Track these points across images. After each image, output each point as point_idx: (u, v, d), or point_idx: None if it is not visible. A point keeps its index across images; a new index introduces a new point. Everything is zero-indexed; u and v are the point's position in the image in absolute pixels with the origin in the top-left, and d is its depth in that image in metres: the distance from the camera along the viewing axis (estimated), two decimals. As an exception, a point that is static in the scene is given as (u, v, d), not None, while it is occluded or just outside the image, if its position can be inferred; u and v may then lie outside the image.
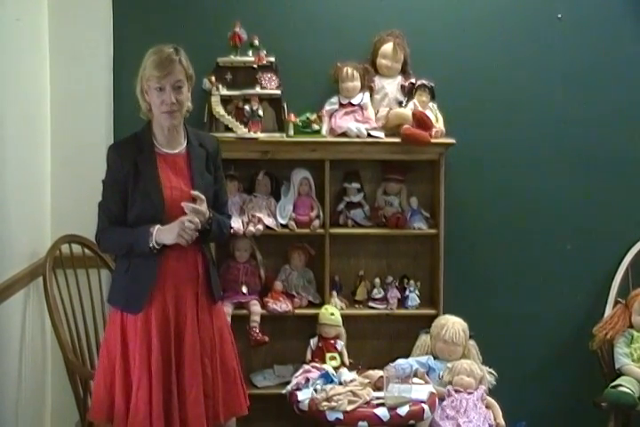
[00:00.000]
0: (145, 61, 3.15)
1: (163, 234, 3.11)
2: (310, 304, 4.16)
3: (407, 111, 4.07)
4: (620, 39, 4.30)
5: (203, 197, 3.15)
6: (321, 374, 3.77)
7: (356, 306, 4.20)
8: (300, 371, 3.88)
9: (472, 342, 4.04)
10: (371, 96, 4.16)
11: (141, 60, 3.17)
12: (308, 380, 3.77)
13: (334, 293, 4.14)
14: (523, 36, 4.26)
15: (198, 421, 3.15)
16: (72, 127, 3.95)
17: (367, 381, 3.75)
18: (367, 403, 3.61)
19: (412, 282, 4.18)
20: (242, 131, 4.00)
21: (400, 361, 3.84)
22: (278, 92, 4.05)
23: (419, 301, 4.16)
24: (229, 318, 3.84)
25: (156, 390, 3.11)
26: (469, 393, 3.82)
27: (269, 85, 4.04)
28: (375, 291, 4.18)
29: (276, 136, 4.03)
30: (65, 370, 3.63)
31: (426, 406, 3.61)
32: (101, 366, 3.23)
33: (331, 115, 4.12)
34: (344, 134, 4.08)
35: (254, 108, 4.01)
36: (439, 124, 4.11)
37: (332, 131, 4.10)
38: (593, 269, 4.33)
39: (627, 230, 4.31)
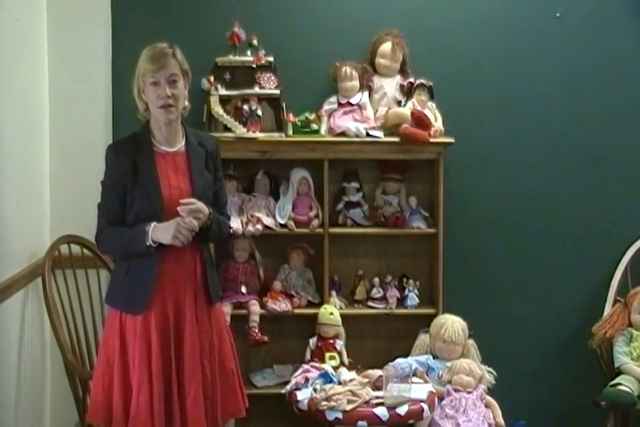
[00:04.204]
0: (140, 59, 3.16)
1: (159, 232, 3.10)
2: (309, 304, 4.17)
3: (406, 111, 4.07)
4: (619, 38, 4.30)
5: (193, 200, 3.13)
6: (320, 374, 3.77)
7: (356, 306, 4.20)
8: (300, 371, 3.88)
9: (471, 342, 4.04)
10: (369, 95, 4.16)
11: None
12: (307, 379, 3.77)
13: (333, 292, 4.14)
14: (522, 35, 4.26)
15: (198, 421, 3.15)
16: (71, 128, 3.94)
17: (366, 380, 3.75)
18: (366, 402, 3.61)
19: (411, 281, 4.18)
20: (241, 131, 4.00)
21: (399, 360, 3.84)
22: (277, 91, 4.05)
23: (418, 300, 4.16)
24: (229, 318, 3.84)
25: (156, 391, 3.11)
26: (469, 392, 3.82)
27: (268, 85, 4.04)
28: (374, 290, 4.18)
29: (275, 136, 4.03)
30: (64, 371, 3.62)
31: (425, 406, 3.61)
32: (99, 367, 3.23)
33: (329, 114, 4.12)
34: (343, 134, 4.08)
35: (253, 107, 4.01)
36: (438, 123, 4.11)
37: (330, 130, 4.10)
38: (592, 268, 4.33)
39: (626, 229, 4.31)
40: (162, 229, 3.11)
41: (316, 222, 4.10)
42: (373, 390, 3.69)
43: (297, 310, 4.10)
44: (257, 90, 4.04)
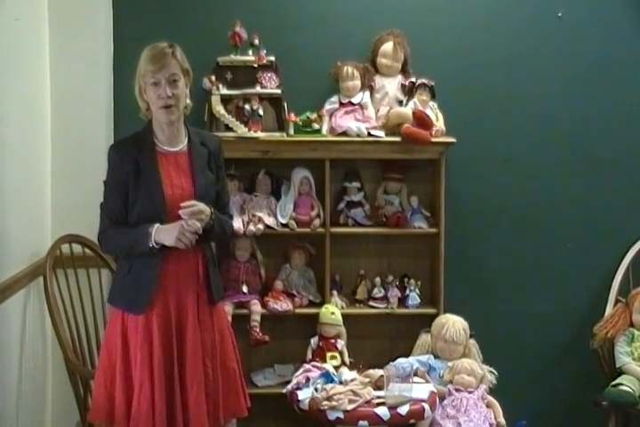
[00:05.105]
0: (141, 59, 3.16)
1: (162, 234, 3.11)
2: (311, 303, 4.17)
3: (407, 110, 4.07)
4: (620, 38, 4.30)
5: (194, 202, 3.14)
6: (321, 374, 3.77)
7: (357, 305, 4.20)
8: (301, 370, 3.87)
9: (472, 341, 4.04)
10: (371, 95, 4.16)
11: (141, 60, 3.18)
12: (308, 379, 3.77)
13: (335, 292, 4.14)
14: (523, 35, 4.26)
15: (200, 421, 3.15)
16: (72, 127, 3.94)
17: (368, 380, 3.75)
18: (368, 402, 3.60)
19: (412, 281, 4.18)
20: (242, 130, 4.00)
21: (400, 360, 3.84)
22: (278, 91, 4.05)
23: (419, 300, 4.16)
24: (230, 318, 3.84)
25: (158, 391, 3.11)
26: (470, 392, 3.82)
27: (269, 85, 4.04)
28: (376, 290, 4.18)
29: (277, 135, 4.04)
30: (65, 370, 3.63)
31: (426, 406, 3.61)
32: (101, 366, 3.23)
33: (331, 114, 4.12)
34: (344, 133, 4.08)
35: (254, 107, 4.01)
36: (439, 123, 4.11)
37: (332, 130, 4.10)
38: (594, 268, 4.33)
39: (627, 229, 4.31)
40: (165, 231, 3.11)
41: (317, 222, 4.10)
42: (374, 389, 3.69)
43: (298, 310, 4.10)
44: (258, 89, 4.04)
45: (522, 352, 4.33)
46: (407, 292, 4.16)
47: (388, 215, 4.14)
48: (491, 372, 3.98)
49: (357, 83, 4.12)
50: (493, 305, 4.31)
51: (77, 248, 3.84)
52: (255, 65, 4.03)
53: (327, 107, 4.13)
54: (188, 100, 3.24)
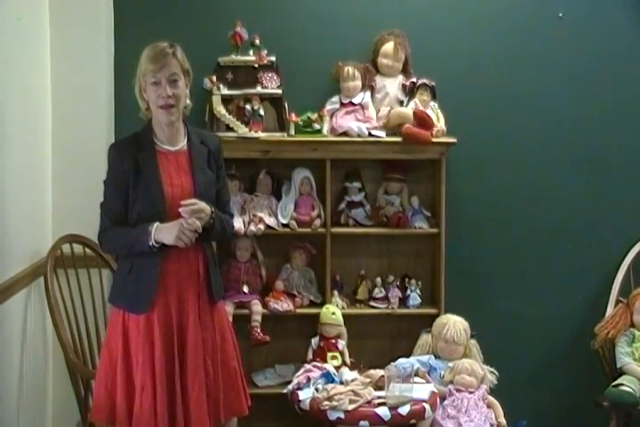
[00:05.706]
0: (141, 58, 3.17)
1: (161, 233, 3.11)
2: (311, 304, 4.17)
3: (408, 110, 4.07)
4: (621, 38, 4.30)
5: (194, 200, 3.14)
6: (322, 374, 3.77)
7: (358, 305, 4.20)
8: (302, 370, 3.87)
9: (473, 342, 4.04)
10: (372, 95, 4.16)
11: (141, 60, 3.18)
12: (309, 379, 3.77)
13: (335, 292, 4.14)
14: (524, 36, 4.26)
15: (201, 420, 3.15)
16: (73, 127, 3.94)
17: (368, 380, 3.75)
18: (368, 402, 3.60)
19: (413, 281, 4.18)
20: (243, 130, 4.00)
21: (401, 360, 3.84)
22: (279, 91, 4.05)
23: (420, 300, 4.16)
24: (231, 318, 3.83)
25: (159, 390, 3.11)
26: (470, 392, 3.82)
27: (270, 85, 4.05)
28: (376, 290, 4.18)
29: (277, 136, 4.04)
30: (66, 370, 3.62)
31: (427, 406, 3.61)
32: (102, 366, 3.23)
33: (332, 114, 4.13)
34: (345, 134, 4.08)
35: (255, 107, 4.01)
36: (440, 123, 4.11)
37: (332, 130, 4.10)
38: (594, 269, 4.33)
39: (628, 229, 4.31)
40: (165, 230, 3.11)
41: (317, 222, 4.10)
42: (375, 389, 3.69)
43: (299, 310, 4.10)
44: (259, 89, 4.04)
45: (522, 353, 4.32)
46: (408, 292, 4.16)
47: (389, 215, 4.14)
48: (491, 372, 3.98)
49: (358, 83, 4.12)
50: (494, 305, 4.31)
51: (78, 248, 3.83)
52: (256, 65, 4.03)
53: (328, 107, 4.13)
54: (188, 101, 3.25)
